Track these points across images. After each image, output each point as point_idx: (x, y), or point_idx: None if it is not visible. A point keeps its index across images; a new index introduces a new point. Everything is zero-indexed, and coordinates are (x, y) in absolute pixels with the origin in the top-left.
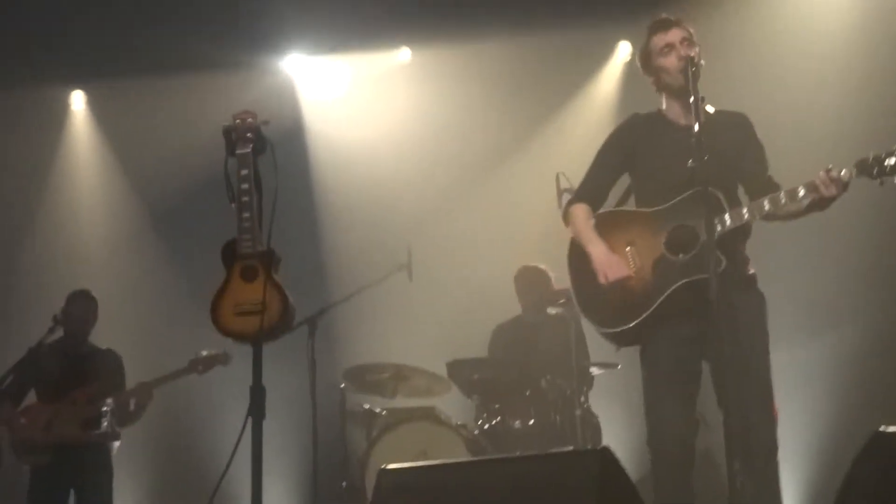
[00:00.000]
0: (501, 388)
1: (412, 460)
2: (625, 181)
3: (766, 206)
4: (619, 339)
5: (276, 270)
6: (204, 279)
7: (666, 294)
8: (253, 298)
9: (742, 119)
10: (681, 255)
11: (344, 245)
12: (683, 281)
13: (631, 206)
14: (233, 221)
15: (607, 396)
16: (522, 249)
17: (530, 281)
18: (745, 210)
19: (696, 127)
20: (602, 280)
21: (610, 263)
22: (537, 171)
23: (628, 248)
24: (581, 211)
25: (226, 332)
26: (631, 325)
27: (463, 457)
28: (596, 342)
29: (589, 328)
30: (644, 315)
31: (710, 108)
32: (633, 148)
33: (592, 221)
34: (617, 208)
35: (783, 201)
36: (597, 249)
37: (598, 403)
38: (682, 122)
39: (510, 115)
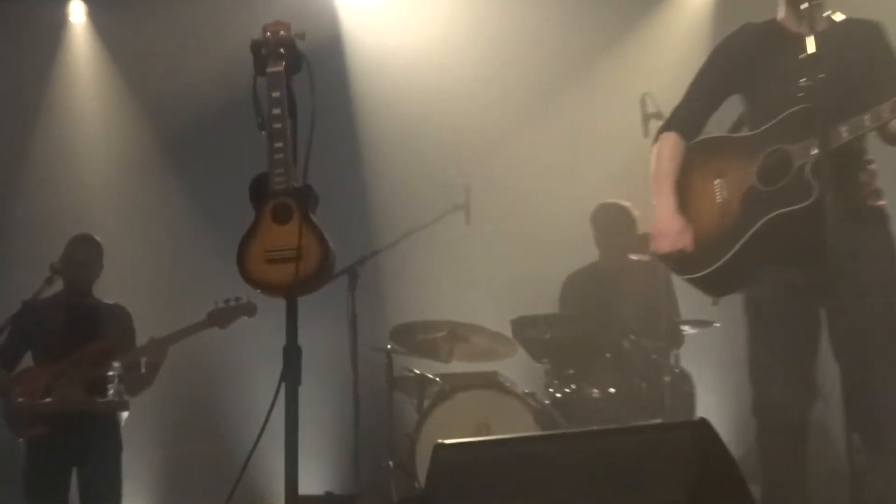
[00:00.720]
0: (576, 349)
1: (472, 435)
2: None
3: (867, 121)
4: (710, 287)
5: (314, 211)
6: (228, 221)
7: (751, 232)
8: (286, 243)
9: (874, 29)
10: (773, 185)
11: (390, 181)
12: (770, 216)
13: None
14: (262, 153)
15: (702, 358)
16: (600, 185)
17: (610, 221)
18: (844, 128)
19: (810, 39)
20: (653, 248)
21: (668, 229)
22: (618, 91)
23: (717, 181)
24: (667, 145)
25: (255, 283)
26: (713, 269)
27: (531, 430)
28: (690, 294)
29: (682, 283)
30: (727, 256)
31: (838, 16)
32: (743, 65)
33: (677, 160)
34: (713, 135)
35: (886, 115)
36: (662, 206)
37: (690, 367)
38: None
39: (584, 25)
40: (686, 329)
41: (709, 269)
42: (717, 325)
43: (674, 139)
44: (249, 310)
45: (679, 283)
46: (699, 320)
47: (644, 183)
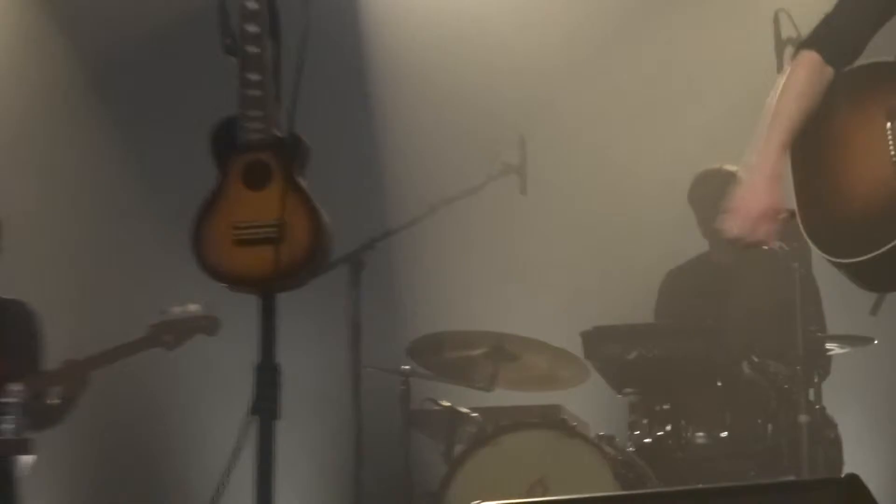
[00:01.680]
0: (674, 375)
1: (523, 495)
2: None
3: None
4: (871, 279)
5: (303, 172)
6: (179, 186)
7: None
8: (263, 217)
9: None
10: None
11: (412, 136)
12: None
13: None
14: (230, 90)
15: (850, 391)
16: (709, 142)
17: (722, 194)
18: None
19: None
20: (727, 230)
21: (751, 204)
22: (739, 6)
23: (889, 126)
24: (802, 69)
25: (218, 274)
26: (879, 253)
27: (609, 489)
28: (839, 297)
29: (829, 275)
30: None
31: None
32: None
33: (813, 95)
34: (881, 59)
35: None
36: (760, 166)
37: (835, 403)
38: None
39: None
40: (833, 348)
41: (872, 253)
42: (876, 341)
43: (814, 62)
44: (209, 326)
45: (827, 285)
46: (852, 336)
47: None
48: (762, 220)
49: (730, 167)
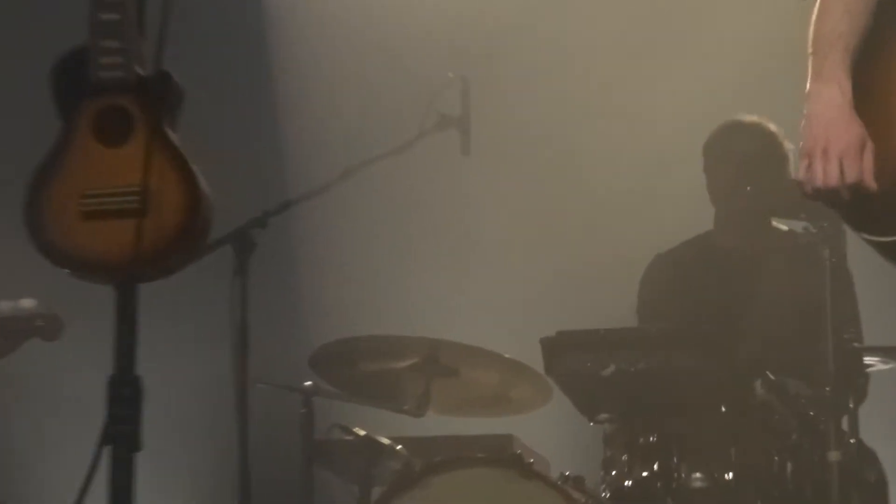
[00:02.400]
0: (664, 396)
1: None
2: None
3: None
4: None
5: (175, 123)
6: (12, 139)
7: None
8: (121, 181)
9: None
10: None
11: (321, 81)
12: None
13: None
14: (79, 10)
15: (892, 419)
16: (717, 92)
17: (736, 157)
18: None
19: None
20: (802, 180)
21: (830, 140)
22: None
23: None
24: None
25: (59, 256)
26: None
27: None
28: (882, 297)
29: (868, 267)
30: None
31: None
32: None
33: (860, 18)
34: None
35: None
36: (823, 97)
37: (872, 433)
38: None
39: None
40: (874, 363)
41: None
42: None
43: None
44: (47, 328)
45: (865, 280)
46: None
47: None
48: (849, 155)
49: (762, 122)
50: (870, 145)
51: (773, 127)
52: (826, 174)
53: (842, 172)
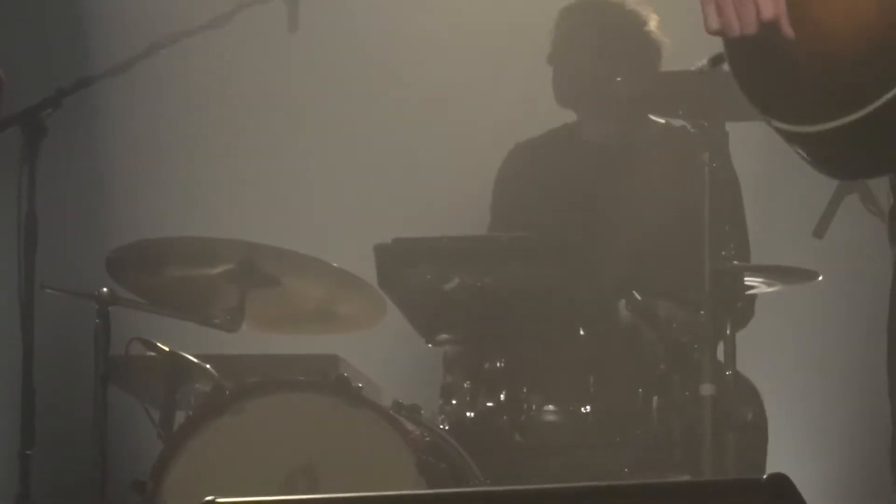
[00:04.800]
0: (514, 317)
1: (281, 489)
2: None
3: None
4: (846, 162)
5: None
6: None
7: None
8: None
9: None
10: None
11: None
12: None
13: None
14: None
15: (775, 349)
16: None
17: (593, 38)
18: None
19: None
20: (709, 23)
21: None
22: None
23: None
24: None
25: None
26: (856, 118)
27: (409, 486)
28: (772, 211)
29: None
30: (885, 98)
31: None
32: None
33: None
34: None
35: None
36: None
37: (752, 365)
38: None
39: None
40: (757, 285)
41: (842, 120)
42: (821, 277)
43: None
44: None
45: (753, 190)
46: (785, 268)
47: None
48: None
49: None
50: None
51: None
52: (710, 16)
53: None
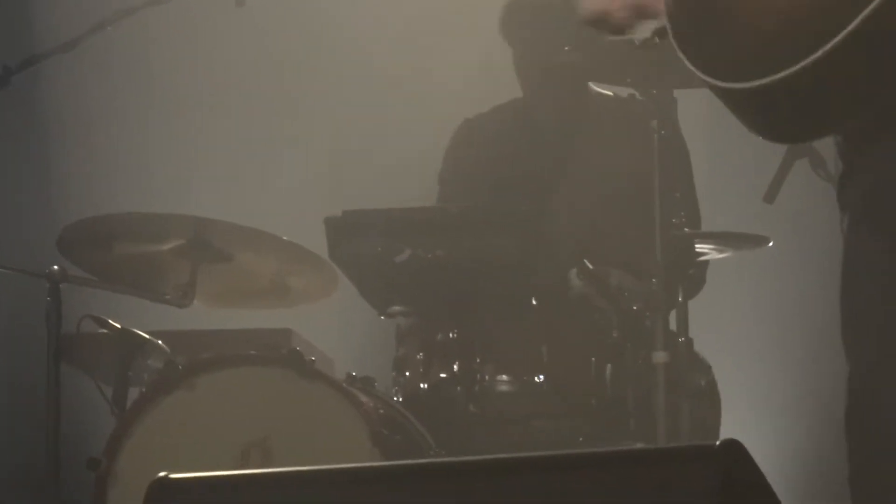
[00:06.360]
0: (467, 287)
1: (235, 465)
2: None
3: None
4: (776, 122)
5: None
6: None
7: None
8: None
9: None
10: None
11: None
12: None
13: None
14: None
15: (726, 316)
16: None
17: (548, 7)
18: None
19: None
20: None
21: None
22: None
23: None
24: None
25: None
26: (788, 73)
27: (363, 458)
28: (721, 176)
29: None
30: (821, 52)
31: None
32: None
33: None
34: None
35: None
36: None
37: (704, 333)
38: None
39: None
40: (708, 251)
41: (770, 77)
42: (771, 243)
43: None
44: None
45: (703, 156)
46: (736, 234)
47: None
48: None
49: None
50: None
51: None
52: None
53: None
